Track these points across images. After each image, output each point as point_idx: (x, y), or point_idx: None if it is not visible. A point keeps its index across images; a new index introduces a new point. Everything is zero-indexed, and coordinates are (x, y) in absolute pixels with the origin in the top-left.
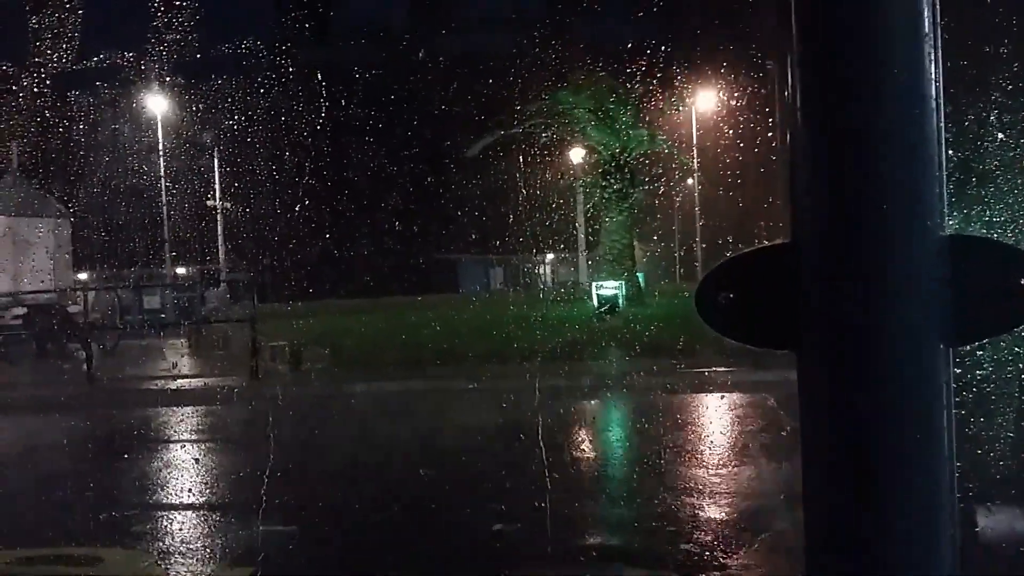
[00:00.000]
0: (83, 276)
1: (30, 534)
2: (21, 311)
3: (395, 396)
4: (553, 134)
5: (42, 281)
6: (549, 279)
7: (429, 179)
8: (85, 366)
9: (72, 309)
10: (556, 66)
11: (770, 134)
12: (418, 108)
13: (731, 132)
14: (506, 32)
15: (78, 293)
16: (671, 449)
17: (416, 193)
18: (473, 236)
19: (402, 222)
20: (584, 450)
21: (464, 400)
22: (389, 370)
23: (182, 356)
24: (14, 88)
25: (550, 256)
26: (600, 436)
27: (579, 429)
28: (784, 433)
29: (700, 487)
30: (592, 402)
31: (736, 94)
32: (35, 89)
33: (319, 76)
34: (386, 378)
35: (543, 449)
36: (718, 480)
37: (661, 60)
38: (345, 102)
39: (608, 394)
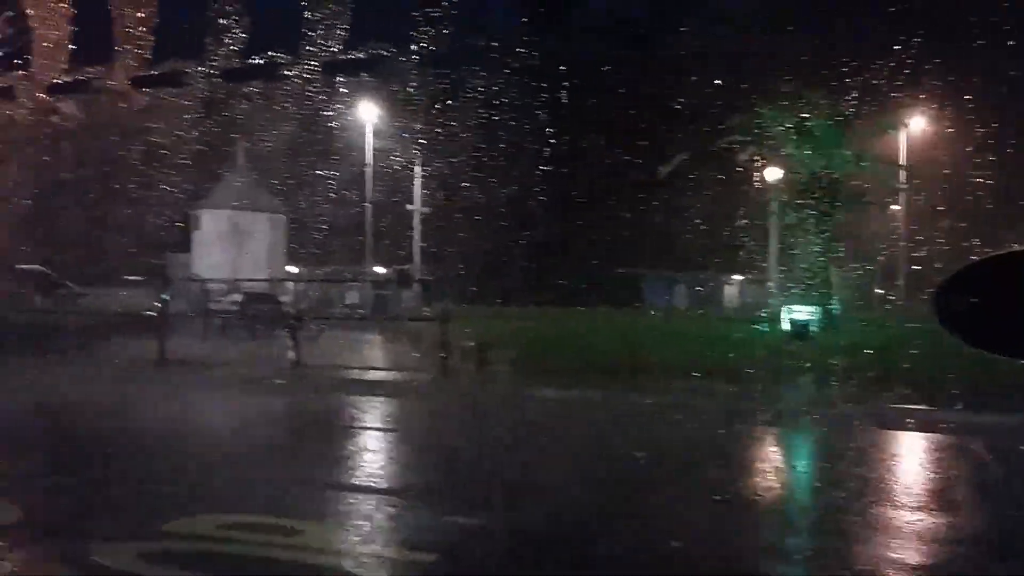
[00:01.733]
0: (294, 269)
1: (233, 502)
2: (238, 297)
3: (576, 403)
4: (752, 151)
5: (258, 271)
6: (736, 300)
7: (624, 191)
8: (291, 352)
9: (283, 298)
10: (760, 79)
11: (981, 159)
12: (617, 120)
13: (943, 155)
14: (710, 44)
15: (288, 284)
16: (862, 485)
17: (610, 205)
18: (661, 252)
19: (593, 233)
20: (765, 477)
21: (645, 413)
22: (573, 377)
23: (376, 349)
24: (243, 88)
25: (738, 277)
26: (781, 464)
27: (761, 454)
28: (987, 479)
29: (889, 528)
30: (777, 428)
31: (948, 117)
32: (258, 88)
33: (526, 81)
34: (569, 385)
35: (722, 471)
36: (911, 523)
37: (875, 77)
38: (541, 113)
39: (793, 421)
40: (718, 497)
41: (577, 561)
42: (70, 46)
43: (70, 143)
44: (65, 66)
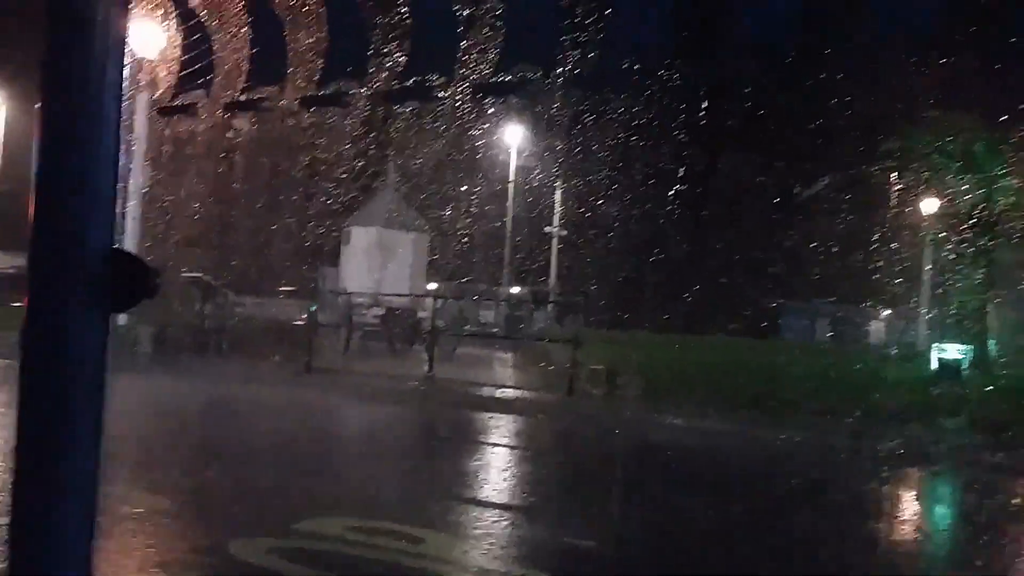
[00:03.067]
0: (432, 285)
1: (362, 506)
2: (380, 311)
3: (703, 433)
4: (905, 178)
5: (400, 286)
6: (883, 335)
7: (764, 218)
8: (427, 366)
9: (421, 315)
10: (916, 102)
11: None
12: (762, 143)
13: None
14: (861, 66)
15: (427, 301)
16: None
17: (751, 231)
18: (803, 281)
19: (733, 261)
20: (900, 523)
21: (774, 449)
22: (701, 406)
23: (508, 367)
24: (390, 109)
25: (886, 311)
26: (917, 511)
27: (898, 500)
28: None
29: None
30: (918, 472)
31: None
32: (412, 109)
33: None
34: (697, 414)
35: (852, 515)
36: None
37: None
38: (681, 136)
39: (936, 467)
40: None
41: None
42: (246, 67)
43: (241, 158)
44: (241, 86)
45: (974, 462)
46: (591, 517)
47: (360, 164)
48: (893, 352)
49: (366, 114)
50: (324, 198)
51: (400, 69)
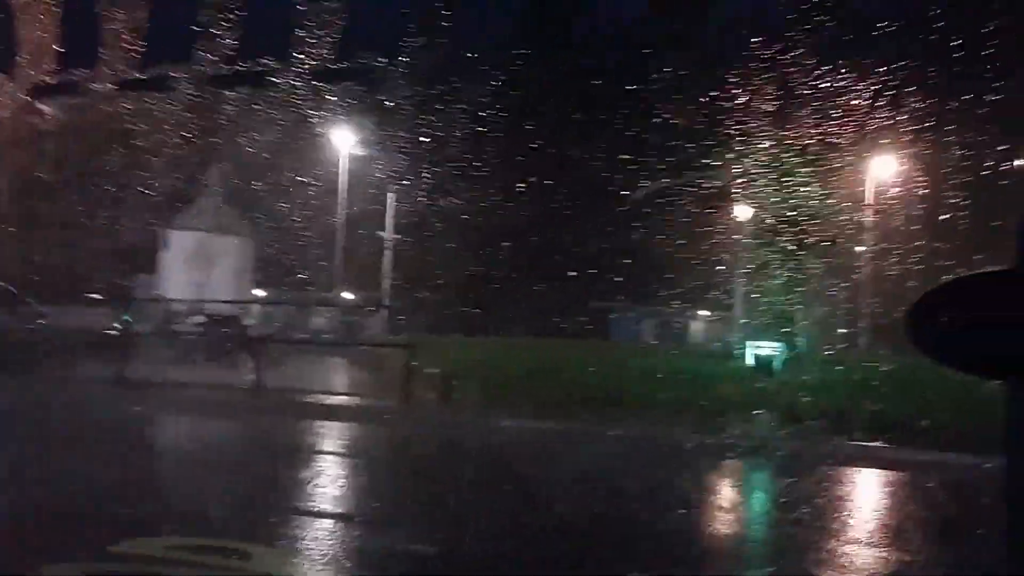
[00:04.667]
0: (259, 292)
1: (185, 524)
2: (201, 319)
3: (537, 435)
4: (719, 185)
5: (224, 293)
6: (703, 336)
7: (593, 223)
8: (253, 376)
9: (246, 322)
10: (731, 112)
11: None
12: (605, 143)
13: (909, 190)
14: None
15: (254, 308)
16: (818, 521)
17: (579, 236)
18: (629, 286)
19: (560, 265)
20: (720, 512)
21: (603, 446)
22: (535, 409)
23: (339, 374)
24: (218, 109)
25: (704, 312)
26: (738, 499)
27: (718, 489)
28: (944, 517)
29: (844, 564)
30: (734, 463)
31: (915, 150)
32: (231, 110)
33: (500, 102)
34: (531, 416)
35: (674, 507)
36: (866, 558)
37: (841, 113)
38: (523, 134)
39: (753, 458)
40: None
41: None
42: (55, 47)
43: (49, 147)
44: (50, 67)
45: (780, 450)
46: (428, 523)
47: (182, 156)
48: (713, 350)
49: (190, 100)
50: (141, 195)
51: (230, 53)
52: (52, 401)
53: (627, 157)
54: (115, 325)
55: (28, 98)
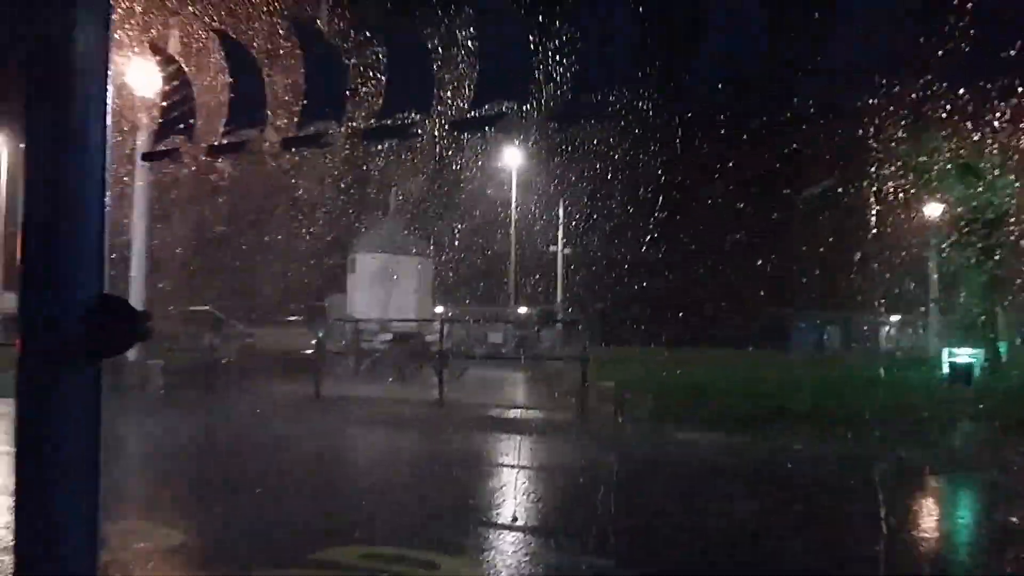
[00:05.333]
0: (440, 309)
1: (375, 533)
2: (387, 337)
3: (714, 447)
4: (906, 183)
5: (407, 311)
6: (893, 343)
7: (766, 229)
8: (436, 391)
9: (429, 338)
10: (915, 106)
11: None
12: (765, 148)
13: None
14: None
15: (435, 325)
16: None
17: (753, 242)
18: (810, 292)
19: (737, 272)
20: (924, 531)
21: (793, 462)
22: (712, 420)
23: (517, 388)
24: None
25: (895, 318)
26: (939, 517)
27: (920, 507)
28: None
29: None
30: (937, 478)
31: None
32: (383, 159)
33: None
34: (708, 428)
35: (871, 527)
36: None
37: None
38: (689, 145)
39: (955, 472)
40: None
41: None
42: (226, 110)
43: (230, 198)
44: (222, 129)
45: (983, 462)
46: (608, 536)
47: (350, 197)
48: (905, 358)
49: (345, 152)
50: (323, 230)
51: (377, 108)
52: (256, 416)
53: (807, 153)
54: (310, 344)
55: (208, 156)
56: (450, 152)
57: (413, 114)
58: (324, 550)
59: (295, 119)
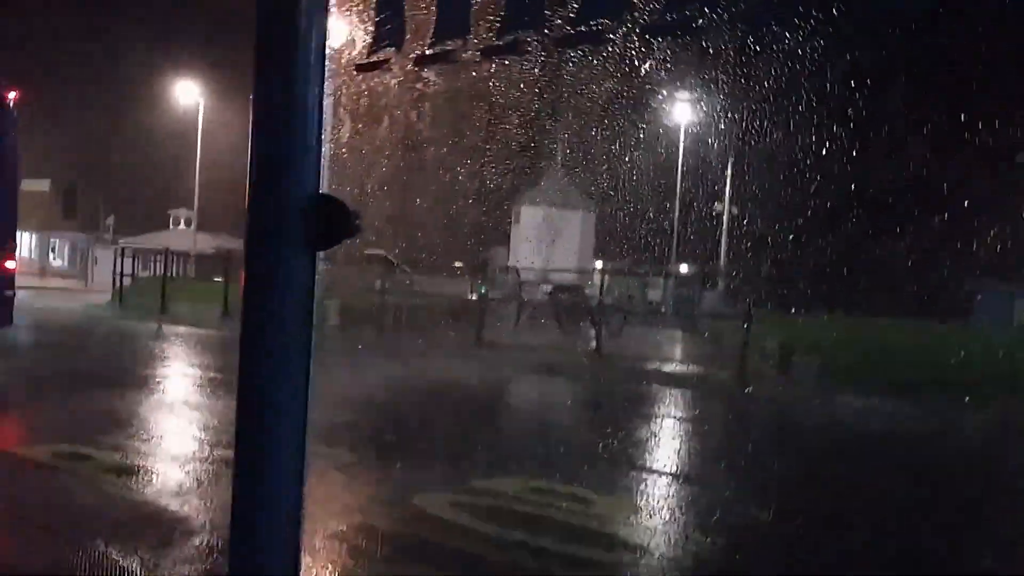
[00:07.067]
0: (600, 264)
1: (535, 467)
2: (548, 288)
3: (881, 415)
4: None
5: (567, 264)
6: None
7: (959, 191)
8: (594, 343)
9: (588, 292)
10: None
11: None
12: (965, 106)
13: None
14: None
15: (595, 278)
16: None
17: (942, 205)
18: (1002, 260)
19: (918, 237)
20: None
21: (959, 431)
22: (882, 389)
23: (676, 345)
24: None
25: None
26: None
27: None
28: None
29: None
30: None
31: None
32: (576, 73)
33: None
34: (876, 396)
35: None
36: None
37: None
38: (857, 110)
39: None
40: None
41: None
42: (432, 23)
43: (429, 112)
44: (428, 41)
45: None
46: (761, 489)
47: (531, 115)
48: None
49: (541, 62)
50: (499, 165)
51: (572, 16)
52: (424, 357)
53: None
54: (473, 293)
55: (413, 67)
56: (622, 76)
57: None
58: (486, 479)
59: (495, 28)
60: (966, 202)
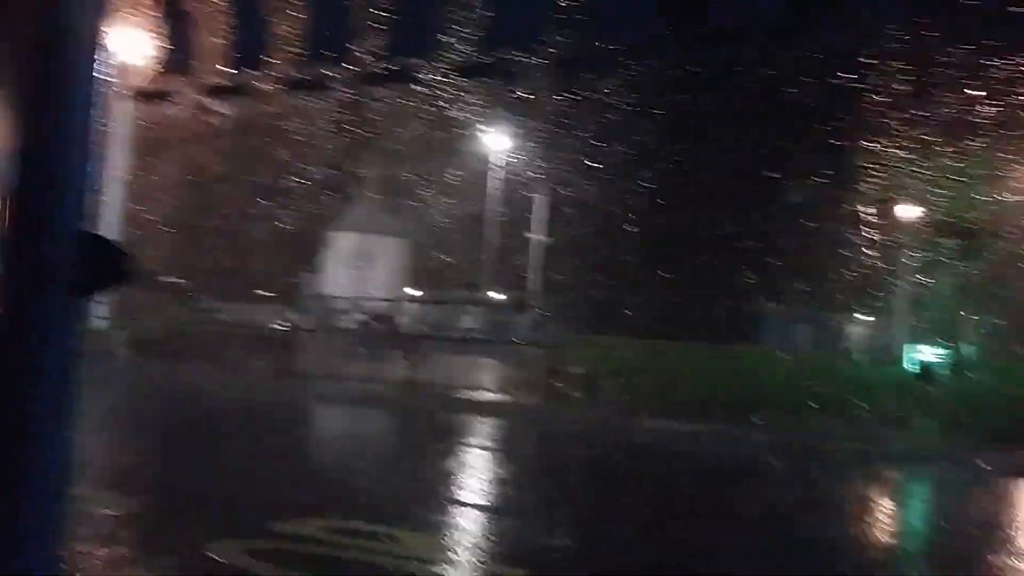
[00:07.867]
0: (412, 291)
1: (337, 507)
2: (360, 316)
3: (680, 437)
4: (879, 186)
5: (379, 292)
6: (861, 340)
7: (744, 221)
8: (405, 371)
9: (400, 319)
10: (887, 111)
11: None
12: (749, 146)
13: None
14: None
15: (406, 306)
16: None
17: (731, 238)
18: (781, 287)
19: (711, 267)
20: (879, 523)
21: (752, 450)
22: (680, 410)
23: (486, 372)
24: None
25: (863, 316)
26: (895, 509)
27: (875, 499)
28: None
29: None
30: (892, 472)
31: None
32: (383, 108)
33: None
34: (675, 418)
35: (818, 515)
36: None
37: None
38: (655, 143)
39: (909, 466)
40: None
41: None
42: (227, 52)
43: (221, 142)
44: (221, 70)
45: (938, 459)
46: (566, 517)
47: (339, 152)
48: (872, 356)
49: (345, 98)
50: (303, 194)
51: (381, 52)
52: (221, 391)
53: (781, 151)
54: (280, 321)
55: (203, 98)
56: (432, 113)
57: (415, 60)
58: (286, 521)
59: (295, 61)
60: (751, 240)
